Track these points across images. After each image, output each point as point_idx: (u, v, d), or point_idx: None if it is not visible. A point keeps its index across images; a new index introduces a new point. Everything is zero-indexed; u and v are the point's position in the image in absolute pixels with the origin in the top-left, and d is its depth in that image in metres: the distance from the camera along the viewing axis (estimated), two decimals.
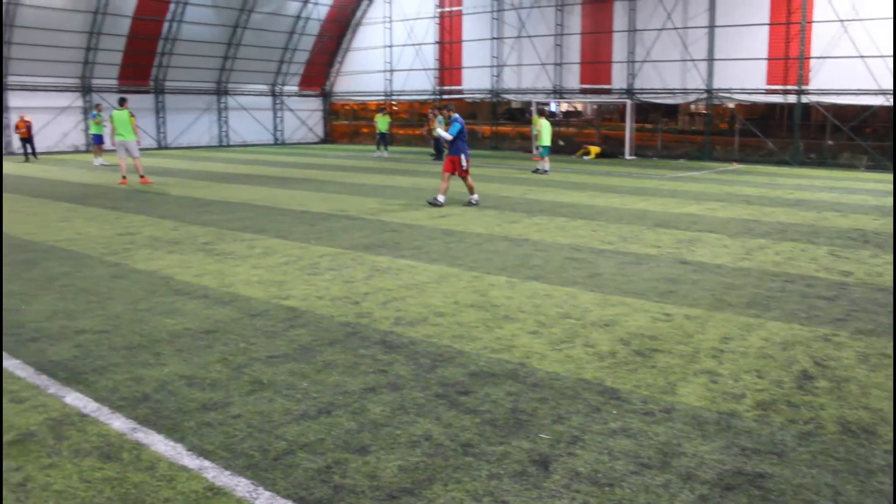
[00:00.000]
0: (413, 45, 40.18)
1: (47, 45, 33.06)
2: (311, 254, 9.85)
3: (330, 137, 45.58)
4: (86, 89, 35.30)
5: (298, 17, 40.96)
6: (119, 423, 4.53)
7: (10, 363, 5.59)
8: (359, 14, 42.97)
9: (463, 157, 14.95)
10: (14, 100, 32.96)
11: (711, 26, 29.48)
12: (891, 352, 5.91)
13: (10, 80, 32.88)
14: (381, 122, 32.32)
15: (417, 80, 40.27)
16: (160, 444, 4.23)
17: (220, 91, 40.54)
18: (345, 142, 44.32)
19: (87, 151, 32.76)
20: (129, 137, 19.66)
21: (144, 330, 6.40)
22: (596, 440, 4.30)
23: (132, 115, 19.92)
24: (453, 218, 13.20)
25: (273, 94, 43.02)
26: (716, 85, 29.78)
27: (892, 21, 24.50)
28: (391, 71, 41.50)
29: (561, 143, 25.63)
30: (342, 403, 4.82)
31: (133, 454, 4.12)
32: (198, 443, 4.25)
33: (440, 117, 29.85)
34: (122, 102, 20.11)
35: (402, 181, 20.48)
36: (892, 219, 13.55)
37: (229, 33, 38.94)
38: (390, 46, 41.37)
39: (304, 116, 44.62)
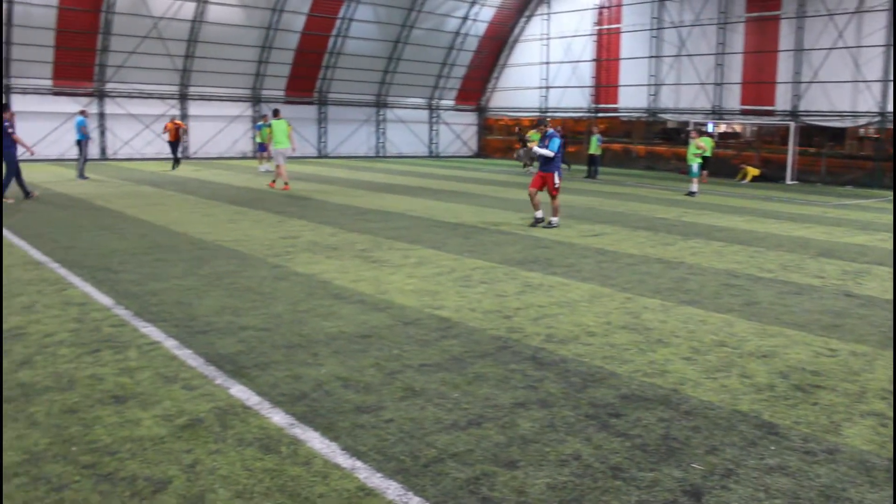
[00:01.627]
0: (570, 62, 40.06)
1: (224, 58, 35.28)
2: (464, 266, 9.99)
3: (483, 152, 46.04)
4: (256, 100, 37.32)
5: (457, 34, 41.69)
6: (278, 417, 4.75)
7: (183, 352, 5.99)
8: (517, 31, 43.27)
9: (556, 174, 14.19)
10: (193, 108, 35.47)
11: (889, 45, 27.77)
12: None
13: (191, 90, 35.33)
14: (534, 139, 32.34)
15: (573, 98, 40.09)
16: (316, 441, 4.41)
17: (380, 104, 41.82)
18: (498, 157, 44.61)
19: (253, 158, 34.55)
20: (286, 145, 20.70)
21: (303, 331, 6.69)
22: (751, 475, 4.13)
23: (289, 125, 20.99)
24: (606, 237, 13.05)
25: (430, 108, 43.95)
26: (890, 108, 28.00)
27: None
28: (546, 88, 41.51)
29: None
30: (492, 416, 4.86)
31: (291, 448, 4.31)
32: (351, 443, 4.39)
33: (595, 134, 29.56)
34: (276, 113, 21.28)
35: None
36: None
37: (390, 48, 40.12)
38: (547, 63, 41.39)
39: (459, 130, 45.33)
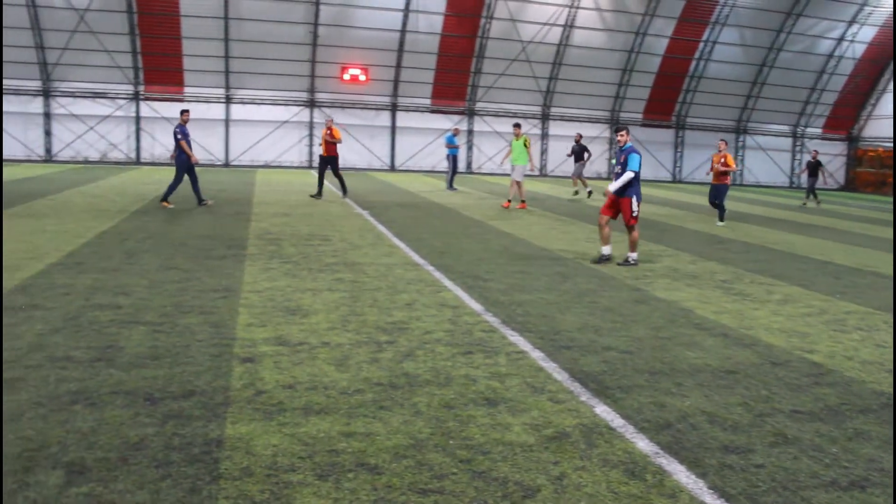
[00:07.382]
0: None
1: (585, 80, 36.27)
2: (835, 308, 9.20)
3: (851, 185, 42.21)
4: (614, 121, 37.78)
5: (830, 56, 38.71)
6: (643, 444, 4.72)
7: (549, 365, 6.21)
8: None
9: (634, 199, 11.46)
10: (553, 128, 37.16)
11: None
12: None
13: (552, 111, 36.83)
14: None
15: None
16: (681, 475, 4.31)
17: (740, 129, 40.13)
18: (868, 191, 40.64)
19: (607, 178, 34.92)
20: (522, 162, 19.88)
21: (666, 358, 6.60)
22: None
23: (527, 141, 20.05)
24: None
25: (794, 136, 41.27)
26: None
27: None
28: None
29: None
30: (877, 481, 4.40)
31: (656, 478, 4.25)
32: (719, 483, 4.23)
33: None
34: (517, 127, 20.28)
35: None
36: None
37: (754, 72, 38.38)
38: None
39: (825, 161, 42.02)
